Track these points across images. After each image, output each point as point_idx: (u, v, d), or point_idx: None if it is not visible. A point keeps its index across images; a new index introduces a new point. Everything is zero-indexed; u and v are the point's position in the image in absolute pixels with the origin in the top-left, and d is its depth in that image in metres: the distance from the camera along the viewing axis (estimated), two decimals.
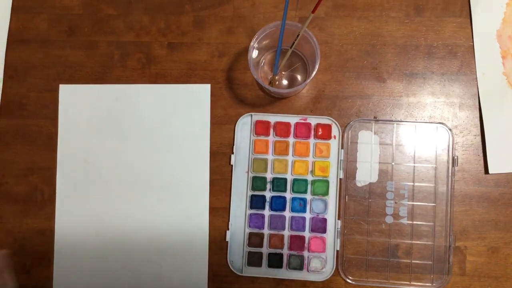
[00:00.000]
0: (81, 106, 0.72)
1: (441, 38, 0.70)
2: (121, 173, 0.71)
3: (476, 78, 0.69)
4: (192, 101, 0.71)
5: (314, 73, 0.61)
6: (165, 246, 0.69)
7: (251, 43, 0.62)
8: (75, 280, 0.70)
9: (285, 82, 0.70)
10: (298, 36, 0.60)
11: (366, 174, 0.69)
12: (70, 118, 0.72)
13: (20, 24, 0.74)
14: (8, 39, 0.73)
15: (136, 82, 0.72)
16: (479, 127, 0.69)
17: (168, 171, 0.70)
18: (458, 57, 0.70)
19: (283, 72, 0.69)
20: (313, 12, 0.57)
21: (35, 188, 0.71)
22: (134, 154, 0.71)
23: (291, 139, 0.69)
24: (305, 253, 0.68)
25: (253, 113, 0.70)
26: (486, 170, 0.68)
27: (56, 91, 0.72)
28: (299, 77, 0.69)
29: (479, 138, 0.69)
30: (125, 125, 0.71)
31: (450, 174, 0.68)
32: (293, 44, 0.62)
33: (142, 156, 0.71)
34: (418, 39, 0.70)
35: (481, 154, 0.69)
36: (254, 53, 0.65)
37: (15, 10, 0.74)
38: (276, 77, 0.69)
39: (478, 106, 0.69)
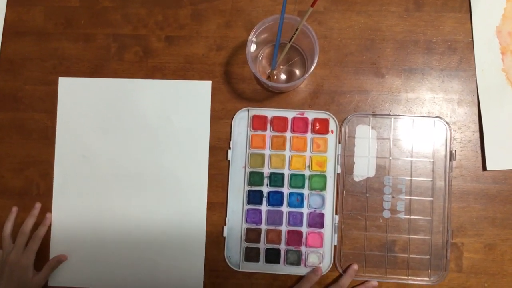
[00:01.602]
0: (80, 100, 0.71)
1: (441, 34, 0.70)
2: (119, 167, 0.70)
3: (475, 74, 0.69)
4: (193, 98, 0.70)
5: (313, 67, 0.60)
6: (162, 241, 0.69)
7: (249, 37, 0.61)
8: (71, 274, 0.69)
9: (283, 76, 0.69)
10: (297, 30, 0.60)
11: (363, 169, 0.68)
12: (69, 111, 0.71)
13: (16, 16, 0.73)
14: (3, 31, 0.72)
15: (133, 75, 0.71)
16: (477, 124, 0.69)
17: (167, 167, 0.70)
18: (458, 53, 0.70)
19: (282, 67, 0.69)
20: (312, 6, 0.56)
21: (31, 182, 0.71)
22: (132, 149, 0.70)
23: (288, 134, 0.69)
24: (303, 248, 0.68)
25: (250, 108, 0.69)
26: (484, 167, 0.68)
27: (52, 84, 0.72)
28: (297, 72, 0.69)
29: (477, 135, 0.69)
30: (124, 120, 0.71)
31: (447, 169, 0.68)
32: (291, 38, 0.62)
33: (141, 152, 0.70)
34: (417, 34, 0.70)
35: (479, 151, 0.69)
36: (252, 47, 0.65)
37: (10, 2, 0.73)
38: (274, 72, 0.68)
39: (477, 103, 0.69)
